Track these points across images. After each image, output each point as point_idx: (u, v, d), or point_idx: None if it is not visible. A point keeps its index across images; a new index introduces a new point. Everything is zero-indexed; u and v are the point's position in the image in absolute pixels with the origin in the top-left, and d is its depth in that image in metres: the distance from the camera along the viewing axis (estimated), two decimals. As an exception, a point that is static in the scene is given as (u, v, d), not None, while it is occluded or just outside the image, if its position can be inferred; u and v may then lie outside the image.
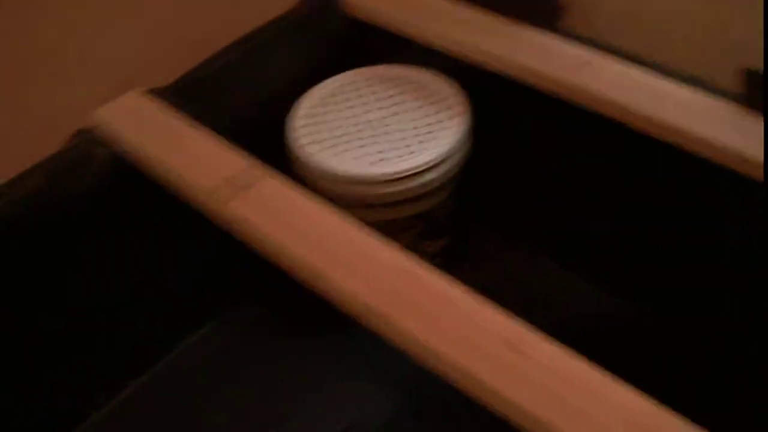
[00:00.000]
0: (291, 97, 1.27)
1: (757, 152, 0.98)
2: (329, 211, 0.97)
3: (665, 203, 1.18)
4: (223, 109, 1.24)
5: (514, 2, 1.20)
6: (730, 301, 1.17)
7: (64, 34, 1.20)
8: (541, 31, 1.19)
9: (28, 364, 1.19)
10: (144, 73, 1.27)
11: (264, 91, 1.28)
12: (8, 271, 1.12)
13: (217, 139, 1.09)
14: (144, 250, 1.25)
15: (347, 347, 1.20)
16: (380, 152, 1.17)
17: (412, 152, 1.16)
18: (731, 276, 1.16)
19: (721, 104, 1.05)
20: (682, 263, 1.22)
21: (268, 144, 1.24)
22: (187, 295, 1.33)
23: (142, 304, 1.29)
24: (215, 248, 1.04)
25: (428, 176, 1.16)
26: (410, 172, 1.15)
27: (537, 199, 1.35)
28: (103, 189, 1.16)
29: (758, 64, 1.01)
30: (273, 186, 1.01)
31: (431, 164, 1.16)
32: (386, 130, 1.20)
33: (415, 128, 1.20)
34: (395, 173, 1.15)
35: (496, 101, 1.24)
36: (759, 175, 0.98)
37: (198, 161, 1.06)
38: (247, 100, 1.27)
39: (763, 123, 1.01)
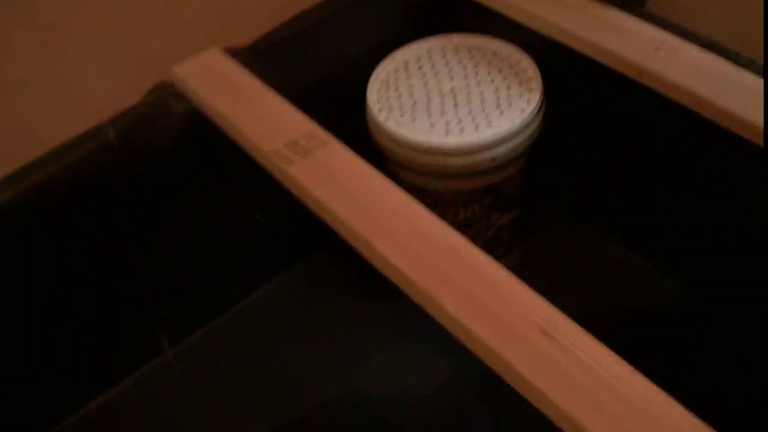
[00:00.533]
0: (369, 62, 1.27)
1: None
2: (385, 181, 0.99)
3: (737, 197, 1.15)
4: (299, 72, 1.26)
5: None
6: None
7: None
8: (622, 12, 1.16)
9: (102, 303, 1.24)
10: (226, 30, 1.31)
11: (342, 56, 1.29)
12: (82, 226, 1.16)
13: (285, 103, 1.11)
14: (217, 204, 1.28)
15: (411, 311, 1.20)
16: (452, 122, 1.17)
17: (483, 125, 1.16)
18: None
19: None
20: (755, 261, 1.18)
21: (346, 108, 1.26)
22: (257, 248, 1.36)
23: (214, 255, 1.33)
24: (287, 204, 1.06)
25: (499, 150, 1.17)
26: (481, 145, 1.15)
27: (607, 181, 1.34)
28: (181, 143, 1.19)
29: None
30: (333, 152, 1.03)
31: (502, 138, 1.16)
32: (459, 101, 1.20)
33: (488, 101, 1.20)
34: (466, 145, 1.15)
35: (571, 79, 1.23)
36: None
37: (264, 123, 1.08)
38: (324, 64, 1.28)
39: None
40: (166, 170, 1.19)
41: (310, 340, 1.31)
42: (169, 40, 1.30)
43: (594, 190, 1.38)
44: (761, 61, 1.07)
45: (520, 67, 1.23)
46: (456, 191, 1.23)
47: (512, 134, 1.16)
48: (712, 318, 1.26)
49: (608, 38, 1.13)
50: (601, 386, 0.76)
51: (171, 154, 1.18)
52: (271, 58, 1.23)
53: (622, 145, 1.27)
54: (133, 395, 1.29)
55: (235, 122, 1.09)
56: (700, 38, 1.11)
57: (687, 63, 1.08)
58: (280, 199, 1.07)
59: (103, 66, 1.27)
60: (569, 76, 1.22)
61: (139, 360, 1.31)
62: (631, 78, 1.11)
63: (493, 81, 1.22)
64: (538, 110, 1.19)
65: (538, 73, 1.22)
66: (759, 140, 1.00)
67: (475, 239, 1.23)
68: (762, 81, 1.04)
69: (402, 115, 1.19)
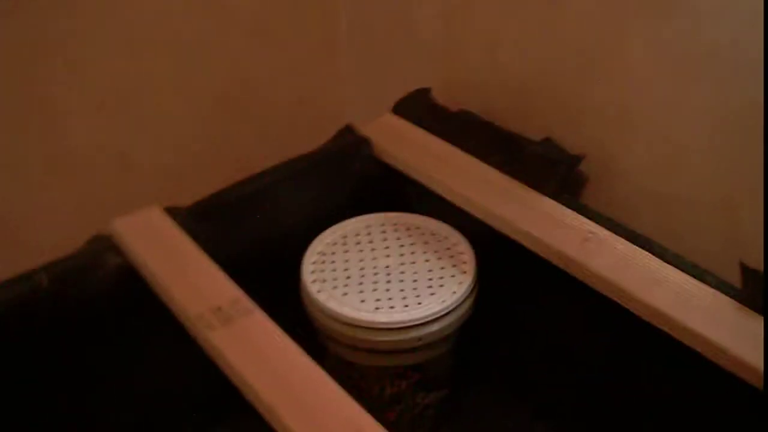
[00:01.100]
0: (308, 233, 1.29)
1: (750, 353, 0.96)
2: (301, 355, 0.98)
3: (660, 391, 1.15)
4: (237, 237, 1.27)
5: (532, 168, 1.21)
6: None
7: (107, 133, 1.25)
8: (552, 201, 1.19)
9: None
10: (174, 188, 1.32)
11: (281, 226, 1.30)
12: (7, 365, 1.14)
13: (216, 268, 1.11)
14: (142, 361, 1.26)
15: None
16: (382, 299, 1.18)
17: (413, 304, 1.16)
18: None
19: (721, 298, 1.03)
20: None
21: (281, 277, 1.27)
22: (179, 409, 1.34)
23: (134, 412, 1.30)
24: (211, 367, 1.05)
25: (427, 329, 1.17)
26: (409, 324, 1.15)
27: (538, 366, 1.34)
28: (112, 296, 1.18)
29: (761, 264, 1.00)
30: (255, 322, 1.03)
31: (430, 318, 1.16)
32: (393, 278, 1.21)
33: (421, 280, 1.21)
34: (393, 323, 1.15)
35: (505, 264, 1.24)
36: (753, 378, 0.95)
37: (192, 286, 1.09)
38: (263, 232, 1.29)
39: (762, 322, 0.99)
40: (94, 320, 1.18)
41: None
42: (116, 193, 1.31)
43: (525, 374, 1.37)
44: (688, 258, 1.08)
45: (456, 250, 1.25)
46: (383, 367, 1.22)
47: (441, 315, 1.16)
48: None
49: (540, 227, 1.15)
50: None
51: (101, 305, 1.17)
52: (209, 222, 1.23)
53: (553, 331, 1.28)
54: None
55: (164, 282, 1.09)
56: (628, 231, 1.13)
57: (614, 255, 1.10)
58: (203, 361, 1.05)
59: (47, 213, 1.27)
60: (503, 261, 1.23)
61: None
62: (558, 267, 1.12)
63: (428, 261, 1.23)
64: (470, 293, 1.20)
65: (473, 256, 1.23)
66: (682, 336, 1.00)
67: (401, 416, 1.23)
68: (685, 275, 1.06)
69: (334, 288, 1.19)
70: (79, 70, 1.26)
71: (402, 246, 1.26)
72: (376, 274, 1.22)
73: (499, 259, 1.23)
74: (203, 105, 1.37)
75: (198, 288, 1.08)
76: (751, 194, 1.06)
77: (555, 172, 1.21)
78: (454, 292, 1.18)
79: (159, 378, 1.29)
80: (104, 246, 1.19)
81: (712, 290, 1.04)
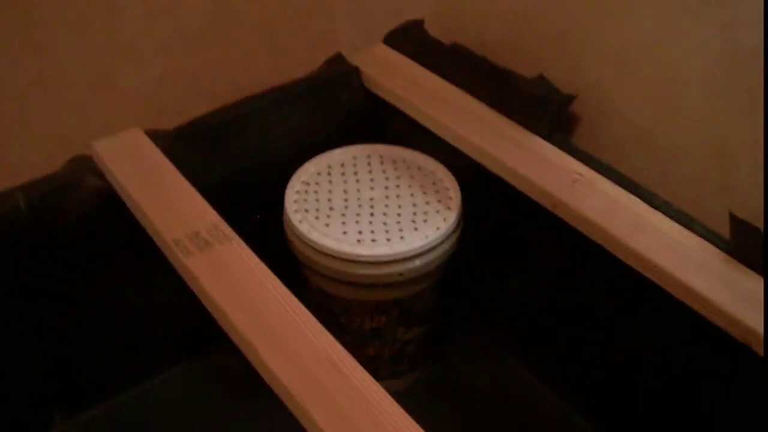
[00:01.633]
0: (293, 162, 1.27)
1: (734, 305, 0.94)
2: (278, 285, 0.96)
3: (642, 336, 1.14)
4: (220, 163, 1.24)
5: (524, 106, 1.18)
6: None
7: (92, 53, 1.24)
8: (542, 140, 1.17)
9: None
10: (157, 111, 1.29)
11: (265, 153, 1.28)
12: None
13: (195, 193, 1.09)
14: (121, 285, 1.25)
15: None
16: (365, 232, 1.16)
17: (396, 238, 1.15)
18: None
19: (708, 248, 1.01)
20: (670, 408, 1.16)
21: (264, 205, 1.26)
22: (158, 335, 1.33)
23: (114, 335, 1.29)
24: (190, 295, 1.03)
25: (408, 265, 1.15)
26: (390, 258, 1.14)
27: (521, 307, 1.32)
28: (90, 218, 1.16)
29: (754, 215, 0.97)
30: (232, 249, 1.01)
31: (412, 253, 1.14)
32: (377, 211, 1.19)
33: (405, 215, 1.19)
34: (374, 257, 1.13)
35: (491, 202, 1.23)
36: (736, 331, 0.94)
37: (170, 211, 1.06)
38: (246, 158, 1.26)
39: (746, 270, 0.98)
40: (72, 243, 1.17)
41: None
42: (98, 114, 1.29)
43: (508, 314, 1.36)
44: (677, 206, 1.06)
45: (442, 185, 1.23)
46: (363, 301, 1.21)
47: (423, 251, 1.15)
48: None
49: (528, 166, 1.13)
50: None
51: (79, 227, 1.16)
52: (192, 147, 1.21)
53: (537, 273, 1.27)
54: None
55: (142, 206, 1.07)
56: (617, 174, 1.11)
57: (602, 199, 1.08)
58: (184, 288, 1.03)
59: (26, 131, 1.25)
60: (489, 199, 1.22)
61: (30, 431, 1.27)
62: (545, 207, 1.10)
63: (413, 195, 1.21)
64: (454, 230, 1.18)
65: (459, 193, 1.21)
66: (664, 282, 0.99)
67: (380, 351, 1.22)
68: (672, 222, 1.04)
69: (317, 219, 1.18)
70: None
71: (387, 179, 1.24)
72: (359, 206, 1.20)
73: (486, 197, 1.22)
74: (191, 28, 1.33)
75: (177, 213, 1.06)
76: (747, 142, 1.03)
77: (546, 111, 1.18)
78: (438, 228, 1.16)
79: (139, 303, 1.28)
80: (84, 167, 1.17)
81: (699, 239, 1.02)
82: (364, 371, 0.86)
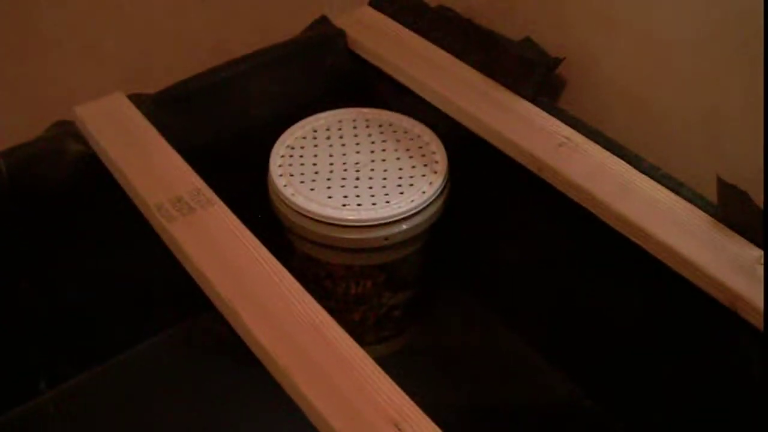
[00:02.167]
0: (277, 126, 1.26)
1: (720, 270, 0.94)
2: (261, 249, 0.96)
3: (627, 301, 1.14)
4: (203, 127, 1.23)
5: (511, 69, 1.17)
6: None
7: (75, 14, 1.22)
8: (528, 103, 1.16)
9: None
10: (138, 75, 1.28)
11: (249, 117, 1.26)
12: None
13: (178, 157, 1.08)
14: (106, 251, 1.24)
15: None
16: (350, 196, 1.15)
17: (381, 202, 1.14)
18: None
19: (695, 212, 1.01)
20: (651, 371, 1.17)
21: (248, 170, 1.24)
22: (144, 301, 1.32)
23: (99, 302, 1.28)
24: (172, 260, 1.03)
25: (394, 229, 1.15)
26: (375, 222, 1.13)
27: (507, 271, 1.32)
28: (73, 183, 1.15)
29: (742, 181, 0.97)
30: (215, 214, 1.00)
31: (398, 217, 1.14)
32: (362, 175, 1.18)
33: (391, 178, 1.18)
34: (360, 221, 1.13)
35: (477, 165, 1.22)
36: (721, 296, 0.93)
37: (153, 175, 1.05)
38: (230, 122, 1.25)
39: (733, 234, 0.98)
40: (55, 209, 1.16)
41: (186, 400, 1.27)
42: (80, 78, 1.27)
43: (495, 278, 1.36)
44: (664, 170, 1.06)
45: (428, 149, 1.22)
46: (348, 266, 1.21)
47: (409, 215, 1.14)
48: (603, 425, 1.24)
49: (515, 130, 1.12)
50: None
51: (61, 193, 1.15)
52: (175, 111, 1.19)
53: (524, 237, 1.26)
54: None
55: (124, 171, 1.06)
56: (604, 138, 1.10)
57: (588, 162, 1.07)
58: (167, 253, 1.02)
59: (6, 95, 1.23)
60: (476, 163, 1.21)
61: (16, 399, 1.26)
62: (531, 171, 1.09)
63: (399, 159, 1.21)
64: (440, 194, 1.18)
65: (445, 156, 1.20)
66: (650, 247, 0.98)
67: (366, 316, 1.22)
68: (659, 186, 1.04)
69: (302, 183, 1.17)
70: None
71: (373, 143, 1.23)
72: (345, 170, 1.19)
73: (473, 161, 1.21)
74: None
75: (159, 177, 1.05)
76: (738, 105, 1.03)
77: (533, 73, 1.17)
78: (424, 192, 1.15)
79: (123, 269, 1.27)
80: (66, 133, 1.15)
81: (686, 203, 1.02)
82: (348, 336, 0.86)
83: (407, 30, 1.31)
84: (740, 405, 1.03)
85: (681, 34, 1.06)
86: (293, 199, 1.14)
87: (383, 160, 1.21)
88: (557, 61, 1.17)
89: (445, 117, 1.20)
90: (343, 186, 1.16)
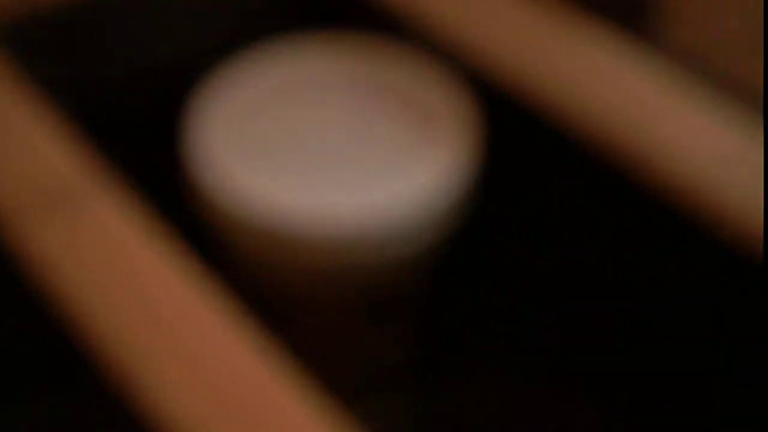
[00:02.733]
0: (193, 74, 0.94)
1: None
2: (171, 263, 0.59)
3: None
4: (88, 78, 0.89)
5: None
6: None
7: None
8: (617, 41, 0.78)
9: None
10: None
11: (159, 55, 0.92)
12: None
13: (52, 124, 0.70)
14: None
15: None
16: (314, 184, 0.76)
17: (366, 201, 0.75)
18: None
19: None
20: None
21: (148, 141, 0.94)
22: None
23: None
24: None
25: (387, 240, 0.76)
26: (361, 230, 0.74)
27: (549, 310, 0.91)
28: None
29: None
30: (104, 211, 0.62)
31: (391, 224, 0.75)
32: (329, 152, 0.79)
33: (381, 155, 0.78)
34: (341, 226, 0.74)
35: (520, 142, 0.81)
36: None
37: (10, 158, 0.68)
38: (132, 66, 0.90)
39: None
40: None
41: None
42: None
43: (537, 320, 0.95)
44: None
45: (440, 110, 0.81)
46: (313, 289, 0.82)
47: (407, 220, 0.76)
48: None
49: (590, 84, 0.74)
50: None
51: None
52: (36, 46, 0.83)
53: (593, 254, 0.84)
54: None
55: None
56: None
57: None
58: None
59: None
60: (519, 138, 0.80)
61: None
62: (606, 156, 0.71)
63: (395, 125, 0.81)
64: (460, 183, 0.78)
65: (472, 126, 0.80)
66: None
67: (343, 361, 0.91)
68: None
69: (250, 159, 0.78)
70: None
71: (359, 98, 0.83)
72: (304, 146, 0.80)
73: (516, 137, 0.81)
74: None
75: (20, 160, 0.68)
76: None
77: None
78: (438, 181, 0.77)
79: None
80: None
81: None
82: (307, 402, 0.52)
83: None
84: None
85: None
86: (225, 187, 0.76)
87: (374, 125, 0.81)
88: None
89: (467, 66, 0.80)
90: (310, 168, 0.77)
